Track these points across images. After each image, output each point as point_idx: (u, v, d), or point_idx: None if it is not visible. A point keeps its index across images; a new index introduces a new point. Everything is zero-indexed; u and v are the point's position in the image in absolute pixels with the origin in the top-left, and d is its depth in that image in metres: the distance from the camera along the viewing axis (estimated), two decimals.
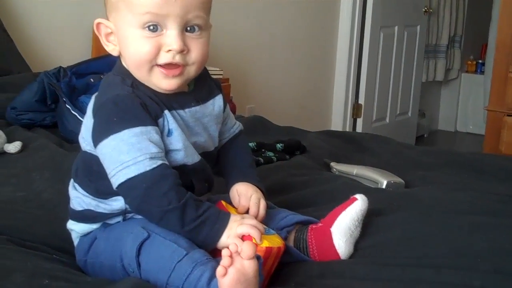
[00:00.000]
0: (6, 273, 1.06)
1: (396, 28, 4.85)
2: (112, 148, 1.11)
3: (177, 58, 1.15)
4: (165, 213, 1.08)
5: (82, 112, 1.97)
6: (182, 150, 1.17)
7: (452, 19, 5.59)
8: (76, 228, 1.23)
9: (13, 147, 1.77)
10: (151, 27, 1.13)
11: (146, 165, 1.09)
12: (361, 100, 4.69)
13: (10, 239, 1.24)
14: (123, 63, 1.20)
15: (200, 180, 1.23)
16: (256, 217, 1.20)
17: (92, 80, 2.15)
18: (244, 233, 1.10)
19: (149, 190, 1.08)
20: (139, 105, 1.12)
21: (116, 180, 1.10)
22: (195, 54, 1.16)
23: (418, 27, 5.10)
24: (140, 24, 1.13)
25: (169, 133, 1.16)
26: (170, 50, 1.14)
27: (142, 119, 1.11)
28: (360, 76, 4.66)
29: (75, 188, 1.23)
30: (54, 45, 2.95)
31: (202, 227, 1.09)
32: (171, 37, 1.14)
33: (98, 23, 1.19)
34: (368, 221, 1.29)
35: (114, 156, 1.10)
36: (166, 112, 1.16)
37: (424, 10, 5.10)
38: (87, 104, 1.97)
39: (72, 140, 1.96)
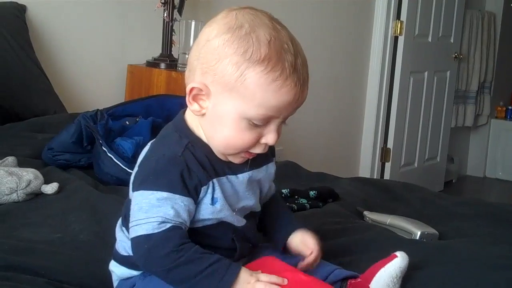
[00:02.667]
0: None
1: (426, 73, 4.86)
2: (137, 202, 1.12)
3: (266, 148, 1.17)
4: (168, 271, 1.08)
5: (118, 154, 2.00)
6: (228, 217, 1.18)
7: (482, 65, 5.59)
8: (117, 271, 1.24)
9: (50, 188, 1.79)
10: (260, 123, 1.13)
11: (154, 227, 1.09)
12: (390, 144, 4.69)
13: (48, 281, 1.25)
14: (187, 117, 1.19)
15: (244, 241, 1.23)
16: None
17: (127, 122, 2.18)
18: None
19: (151, 251, 1.09)
20: (178, 173, 1.11)
21: (130, 234, 1.13)
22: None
23: (448, 73, 5.11)
24: (251, 119, 1.12)
25: (213, 201, 1.15)
26: (266, 144, 1.15)
27: (173, 186, 1.11)
28: (390, 120, 4.67)
29: (123, 231, 1.24)
30: (88, 86, 3.02)
31: (210, 279, 1.08)
32: (272, 133, 1.14)
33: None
34: (404, 275, 1.28)
35: (135, 210, 1.12)
36: (215, 180, 1.16)
37: (454, 55, 5.11)
38: (122, 147, 2.05)
39: (107, 182, 1.98)
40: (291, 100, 1.12)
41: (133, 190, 1.15)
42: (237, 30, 1.11)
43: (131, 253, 1.19)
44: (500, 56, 5.80)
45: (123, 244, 1.22)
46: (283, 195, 1.87)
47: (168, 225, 1.09)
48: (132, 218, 1.12)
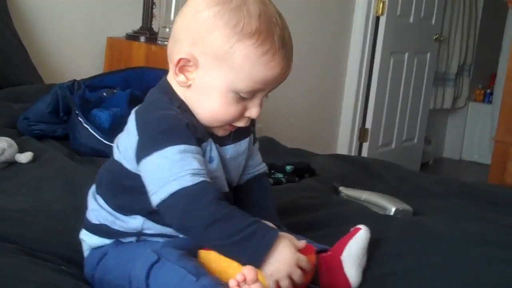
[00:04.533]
0: (15, 283, 1.06)
1: (406, 54, 4.87)
2: (155, 165, 1.09)
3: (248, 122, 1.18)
4: (207, 226, 1.05)
5: (94, 125, 1.98)
6: (219, 179, 1.18)
7: (462, 48, 5.61)
8: (88, 240, 1.23)
9: (25, 157, 1.78)
10: (247, 96, 1.14)
11: (188, 181, 1.06)
12: (368, 125, 4.70)
13: (20, 248, 1.24)
14: (172, 84, 1.19)
15: None
16: None
17: (105, 94, 2.16)
18: (295, 280, 1.08)
19: (190, 205, 1.06)
20: (185, 125, 1.11)
21: (157, 197, 1.08)
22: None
23: (428, 54, 5.12)
24: (239, 91, 1.13)
25: (211, 160, 1.15)
26: (249, 117, 1.16)
27: (186, 137, 1.10)
28: (368, 100, 4.68)
29: (95, 199, 1.23)
30: (67, 58, 2.98)
31: (252, 238, 1.06)
32: (256, 107, 1.16)
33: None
34: (376, 250, 1.29)
35: (156, 173, 1.09)
36: (210, 140, 1.16)
37: (435, 37, 5.12)
38: (99, 118, 2.04)
39: (83, 153, 1.97)
40: (278, 73, 1.14)
41: (141, 158, 1.11)
42: (227, 3, 1.12)
43: (102, 222, 1.19)
44: (480, 39, 5.82)
45: (95, 213, 1.21)
46: None
47: (201, 179, 1.07)
48: (155, 182, 1.09)
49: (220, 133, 1.19)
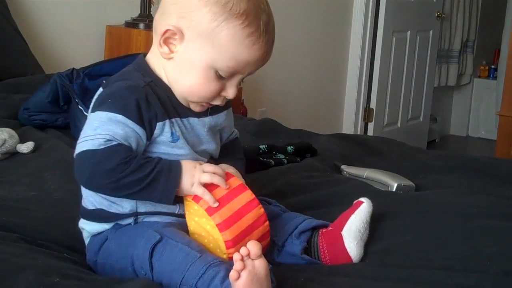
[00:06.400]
0: (17, 270, 1.06)
1: (408, 32, 4.84)
2: (89, 121, 1.13)
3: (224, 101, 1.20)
4: (117, 182, 1.09)
5: None
6: (189, 155, 1.19)
7: (465, 24, 5.58)
8: (87, 227, 1.24)
9: (26, 147, 1.78)
10: (226, 75, 1.16)
11: (101, 143, 1.09)
12: (373, 105, 4.69)
13: (21, 237, 1.25)
14: (150, 61, 1.21)
15: None
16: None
17: (104, 82, 2.15)
18: (207, 182, 1.12)
19: (96, 166, 1.09)
20: (135, 100, 1.13)
21: (75, 151, 1.12)
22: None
23: (431, 32, 5.09)
24: (219, 69, 1.15)
25: (174, 139, 1.17)
26: (225, 96, 1.19)
27: (129, 111, 1.12)
28: (372, 80, 4.66)
29: None
30: (67, 47, 2.98)
31: (158, 178, 1.11)
32: (232, 88, 1.18)
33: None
34: (378, 225, 1.29)
35: (85, 129, 1.13)
36: (174, 120, 1.18)
37: (437, 15, 5.09)
38: None
39: None
40: (259, 56, 1.16)
41: (90, 113, 1.15)
42: None
43: (98, 207, 1.19)
44: (482, 15, 5.78)
45: (89, 199, 1.22)
46: (261, 151, 1.86)
47: (114, 143, 1.10)
48: (81, 136, 1.13)
49: (197, 109, 1.21)
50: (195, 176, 1.13)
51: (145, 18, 3.04)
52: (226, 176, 1.16)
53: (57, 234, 1.31)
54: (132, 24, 3.03)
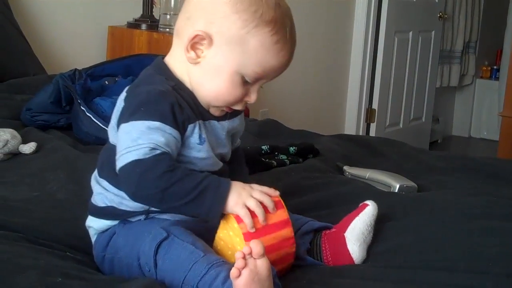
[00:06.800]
0: (19, 270, 1.06)
1: (410, 33, 4.84)
2: (126, 132, 1.13)
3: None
4: (164, 191, 1.09)
5: (97, 114, 1.98)
6: (211, 158, 1.20)
7: (467, 25, 5.57)
8: (95, 225, 1.24)
9: (28, 148, 1.78)
10: (251, 81, 1.18)
11: (146, 153, 1.09)
12: (375, 105, 4.69)
13: (24, 237, 1.25)
14: (171, 64, 1.22)
15: None
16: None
17: (106, 82, 2.16)
18: (251, 208, 1.11)
19: (143, 175, 1.09)
20: (169, 105, 1.13)
21: (118, 164, 1.12)
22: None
23: (433, 33, 5.09)
24: (246, 75, 1.17)
25: (201, 141, 1.18)
26: (247, 102, 1.21)
27: (165, 117, 1.12)
28: (374, 81, 4.66)
29: (99, 183, 1.24)
30: (69, 48, 2.99)
31: (205, 193, 1.10)
32: (254, 93, 1.21)
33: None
34: (380, 226, 1.29)
35: (124, 140, 1.12)
36: (201, 122, 1.19)
37: (439, 15, 5.09)
38: (101, 106, 2.04)
39: (86, 142, 1.97)
40: (284, 63, 1.20)
41: (121, 123, 1.15)
42: None
43: (109, 204, 1.20)
44: (485, 16, 5.78)
45: (100, 196, 1.22)
46: (263, 152, 1.86)
47: (158, 151, 1.10)
48: (121, 147, 1.12)
49: (217, 113, 1.22)
50: (242, 195, 1.12)
51: (147, 19, 3.04)
52: (276, 205, 1.14)
53: (59, 234, 1.31)
54: (134, 25, 3.03)
